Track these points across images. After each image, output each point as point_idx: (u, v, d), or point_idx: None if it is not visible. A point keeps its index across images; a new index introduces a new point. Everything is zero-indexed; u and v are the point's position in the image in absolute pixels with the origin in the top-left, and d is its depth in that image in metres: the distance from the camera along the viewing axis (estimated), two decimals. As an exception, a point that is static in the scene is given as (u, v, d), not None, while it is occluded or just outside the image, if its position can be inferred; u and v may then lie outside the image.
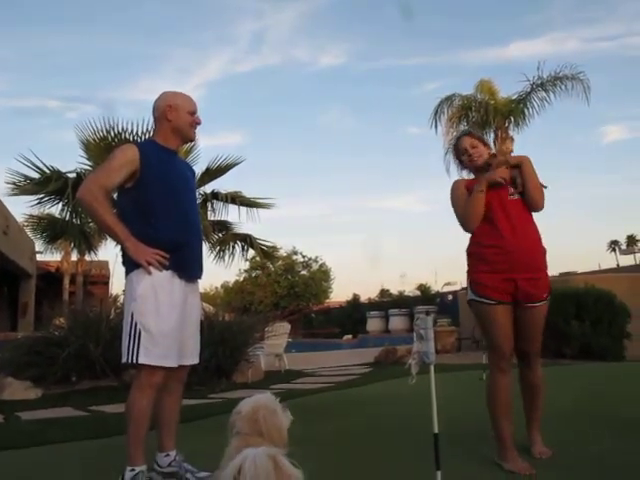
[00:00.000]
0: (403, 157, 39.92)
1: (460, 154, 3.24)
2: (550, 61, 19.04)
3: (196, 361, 3.05)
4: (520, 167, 3.03)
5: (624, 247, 74.04)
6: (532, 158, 3.07)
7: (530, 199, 3.02)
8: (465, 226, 3.10)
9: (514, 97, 15.94)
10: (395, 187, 47.68)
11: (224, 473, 1.62)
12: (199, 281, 3.11)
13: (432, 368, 2.00)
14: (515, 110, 15.76)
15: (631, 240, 77.53)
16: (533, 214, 3.09)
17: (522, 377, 3.16)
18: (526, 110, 15.75)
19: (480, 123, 15.95)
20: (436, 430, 2.05)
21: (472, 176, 3.28)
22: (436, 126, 16.17)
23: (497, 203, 3.00)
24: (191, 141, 3.25)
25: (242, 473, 1.55)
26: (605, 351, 9.24)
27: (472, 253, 3.11)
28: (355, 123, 41.41)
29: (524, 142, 16.79)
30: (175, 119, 2.99)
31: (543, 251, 3.05)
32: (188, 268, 2.96)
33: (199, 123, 3.07)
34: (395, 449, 3.52)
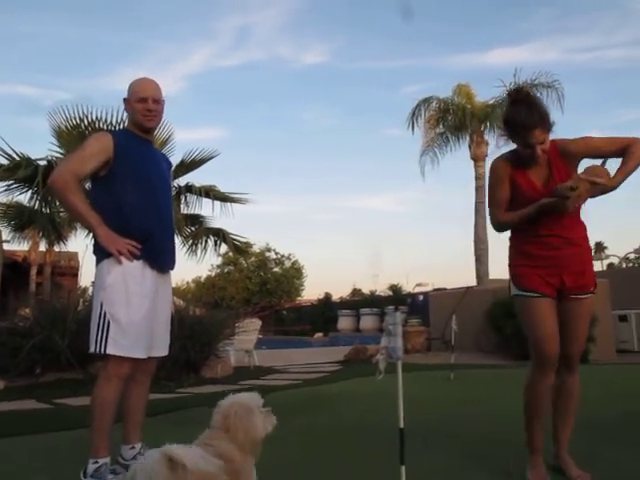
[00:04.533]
0: (381, 158, 40.07)
1: (520, 138, 2.59)
2: (530, 69, 19.36)
3: (165, 353, 3.02)
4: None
5: (593, 254, 75.32)
6: None
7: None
8: (495, 228, 2.81)
9: (491, 102, 16.14)
10: (371, 187, 47.99)
11: None
12: (171, 273, 3.09)
13: (399, 364, 2.01)
14: (491, 115, 15.97)
15: (599, 247, 79.06)
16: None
17: (559, 383, 2.77)
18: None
19: (457, 126, 16.15)
20: (401, 425, 2.06)
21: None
22: (413, 128, 16.30)
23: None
24: (148, 129, 3.04)
25: None
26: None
27: (513, 247, 2.80)
28: (335, 122, 41.50)
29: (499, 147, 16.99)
30: (128, 111, 2.99)
31: (588, 244, 2.78)
32: (160, 259, 2.94)
33: (150, 110, 2.92)
34: (362, 444, 3.54)
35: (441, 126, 16.59)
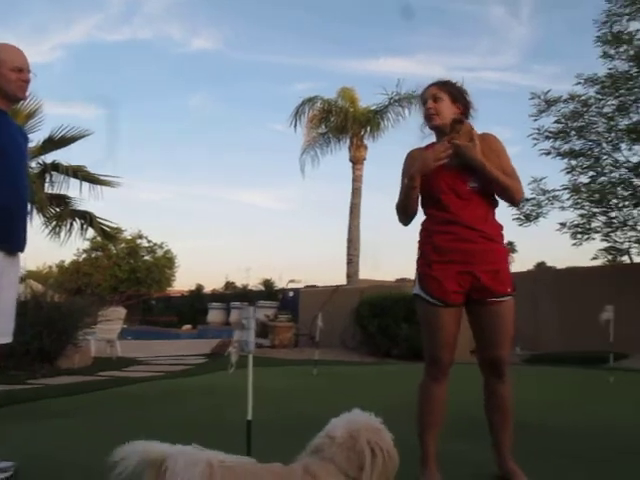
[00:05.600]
0: (264, 152, 39.65)
1: (420, 100, 2.68)
2: (415, 81, 20.34)
3: (8, 340, 2.81)
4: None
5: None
6: (386, 170, 2.78)
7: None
8: (397, 216, 2.67)
9: (373, 108, 16.69)
10: (251, 181, 47.48)
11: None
12: (21, 255, 2.88)
13: (250, 357, 2.03)
14: (372, 120, 16.51)
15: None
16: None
17: (491, 392, 2.60)
18: (382, 122, 16.55)
19: (339, 128, 16.52)
20: (249, 417, 2.09)
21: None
22: (296, 125, 16.48)
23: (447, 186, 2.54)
24: (19, 100, 2.91)
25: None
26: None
27: (421, 239, 2.64)
28: (220, 112, 40.38)
29: (378, 152, 17.66)
30: None
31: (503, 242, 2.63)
32: (10, 239, 2.73)
33: (26, 81, 2.76)
34: (211, 437, 3.49)
35: (323, 126, 16.91)
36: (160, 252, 31.55)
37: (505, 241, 2.63)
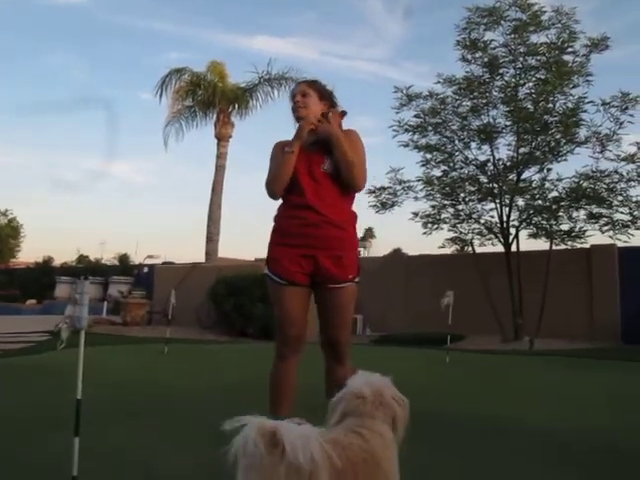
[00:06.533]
0: (129, 122, 37.25)
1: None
2: (288, 62, 20.37)
3: None
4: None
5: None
6: (252, 149, 2.85)
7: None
8: (267, 190, 2.70)
9: (242, 85, 16.48)
10: (112, 151, 44.76)
11: None
12: None
13: (83, 333, 1.94)
14: (240, 98, 16.31)
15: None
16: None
17: (329, 373, 2.66)
18: (251, 100, 16.42)
19: (206, 102, 16.13)
20: (79, 396, 2.00)
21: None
22: (161, 96, 15.89)
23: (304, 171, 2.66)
24: None
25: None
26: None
27: (274, 222, 2.75)
28: (84, 75, 37.18)
29: (245, 131, 17.48)
30: None
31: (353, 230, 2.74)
32: None
33: None
34: (40, 419, 3.40)
35: (190, 99, 16.43)
36: (4, 220, 29.12)
37: (362, 228, 2.76)
